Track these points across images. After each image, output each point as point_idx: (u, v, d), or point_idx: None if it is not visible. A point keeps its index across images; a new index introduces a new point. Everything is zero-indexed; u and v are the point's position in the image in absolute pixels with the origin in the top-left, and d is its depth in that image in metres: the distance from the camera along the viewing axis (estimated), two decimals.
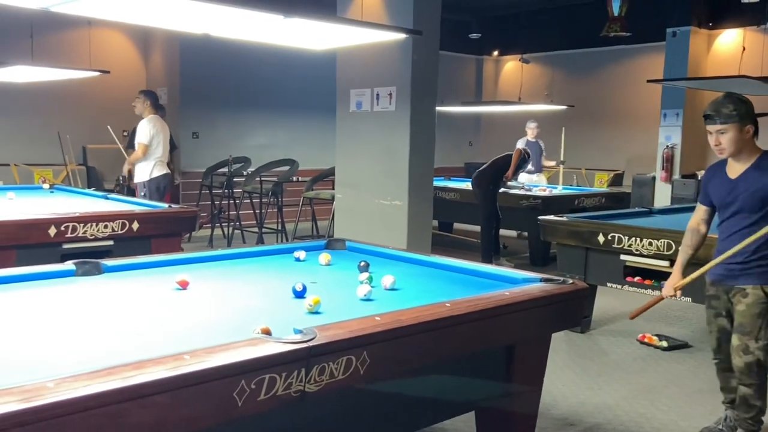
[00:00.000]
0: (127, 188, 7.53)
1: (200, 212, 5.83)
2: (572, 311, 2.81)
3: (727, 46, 9.71)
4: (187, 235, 7.61)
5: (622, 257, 4.61)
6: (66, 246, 4.02)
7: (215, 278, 2.88)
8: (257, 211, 8.32)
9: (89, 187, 8.12)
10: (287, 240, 8.06)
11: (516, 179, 8.20)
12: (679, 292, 3.29)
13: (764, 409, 3.11)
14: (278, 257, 3.39)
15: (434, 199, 6.12)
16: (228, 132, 9.74)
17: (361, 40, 4.45)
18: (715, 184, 3.16)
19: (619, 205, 7.62)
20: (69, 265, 2.81)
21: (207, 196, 8.74)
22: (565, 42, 11.47)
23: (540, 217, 5.25)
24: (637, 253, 4.49)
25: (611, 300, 5.66)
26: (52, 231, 3.97)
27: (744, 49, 8.86)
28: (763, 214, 2.97)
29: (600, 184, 10.78)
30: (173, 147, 7.91)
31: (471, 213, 7.65)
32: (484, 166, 7.36)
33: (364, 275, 2.72)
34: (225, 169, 8.30)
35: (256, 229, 8.26)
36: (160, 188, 6.63)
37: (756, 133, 3.04)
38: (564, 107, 9.92)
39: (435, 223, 7.83)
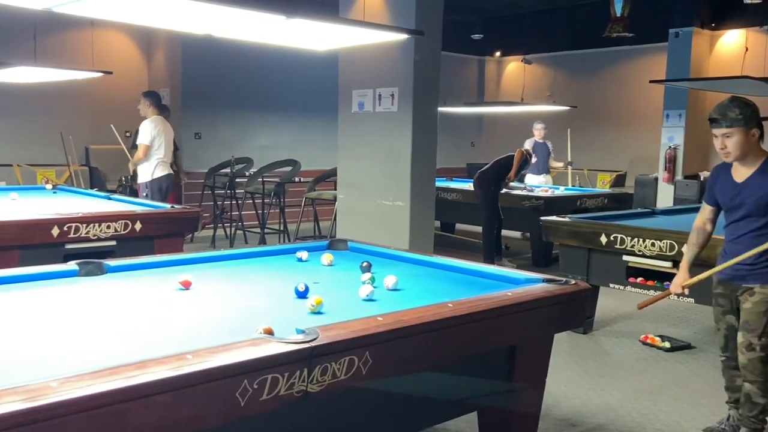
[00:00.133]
0: (130, 189, 7.53)
1: (203, 213, 5.84)
2: (574, 312, 2.80)
3: (730, 47, 9.68)
4: (190, 235, 7.61)
5: (625, 258, 4.60)
6: (69, 246, 4.03)
7: (218, 278, 2.88)
8: (260, 211, 8.33)
9: (92, 188, 8.16)
10: (289, 240, 8.06)
11: (522, 180, 8.17)
12: (687, 290, 3.31)
13: None
14: (280, 258, 3.39)
15: (436, 200, 6.13)
16: (230, 132, 9.75)
17: (363, 41, 4.45)
18: (721, 187, 3.18)
19: (622, 205, 7.62)
20: (72, 265, 2.81)
21: (209, 197, 8.75)
22: (567, 43, 11.45)
23: (542, 218, 5.25)
24: (640, 253, 4.48)
25: (614, 301, 5.65)
26: (55, 231, 3.97)
27: (747, 49, 8.83)
28: None
29: (602, 185, 10.76)
30: (174, 148, 7.91)
31: (473, 214, 7.63)
32: (486, 166, 7.35)
33: (367, 275, 2.72)
34: (227, 170, 8.31)
35: (258, 230, 8.27)
36: (162, 189, 6.64)
37: (762, 136, 3.06)
38: (566, 108, 9.90)
39: (437, 223, 7.85)
